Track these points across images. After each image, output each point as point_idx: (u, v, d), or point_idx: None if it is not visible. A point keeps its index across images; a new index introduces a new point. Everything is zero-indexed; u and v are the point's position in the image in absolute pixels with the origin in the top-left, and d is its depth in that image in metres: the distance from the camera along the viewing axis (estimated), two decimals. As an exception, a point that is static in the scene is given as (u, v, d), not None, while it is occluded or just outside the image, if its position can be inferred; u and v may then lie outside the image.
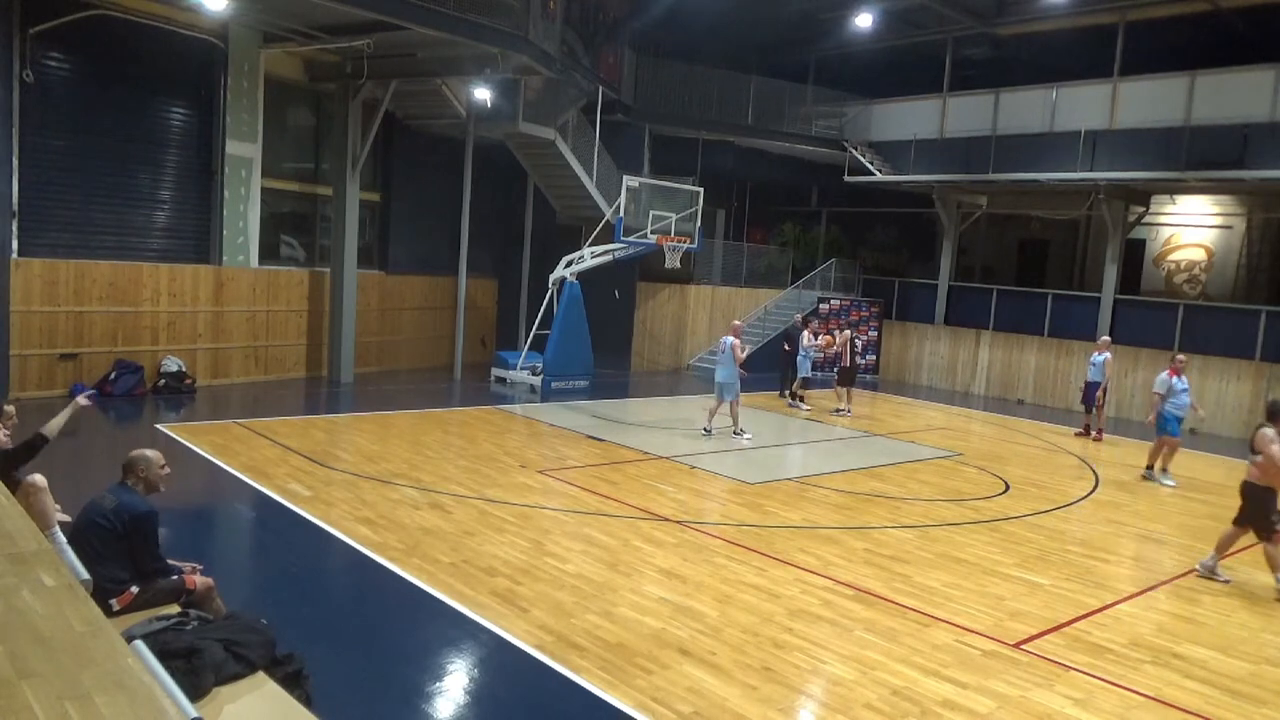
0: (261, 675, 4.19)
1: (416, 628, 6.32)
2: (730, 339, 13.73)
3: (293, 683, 4.33)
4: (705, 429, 13.82)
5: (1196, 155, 17.88)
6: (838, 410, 16.78)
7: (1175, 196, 22.06)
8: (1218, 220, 22.48)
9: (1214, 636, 7.07)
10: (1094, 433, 16.12)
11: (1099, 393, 15.81)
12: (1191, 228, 22.82)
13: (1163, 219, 22.96)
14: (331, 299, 16.60)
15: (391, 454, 11.10)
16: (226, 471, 9.84)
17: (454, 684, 5.56)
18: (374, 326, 18.13)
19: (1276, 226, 21.98)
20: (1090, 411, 16.26)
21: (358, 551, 7.62)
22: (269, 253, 16.30)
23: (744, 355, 13.69)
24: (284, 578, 7.23)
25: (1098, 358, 15.85)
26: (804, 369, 17.59)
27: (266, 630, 4.44)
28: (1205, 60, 18.39)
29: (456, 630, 6.23)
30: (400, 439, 12.02)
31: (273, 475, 9.71)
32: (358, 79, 15.60)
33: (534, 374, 17.22)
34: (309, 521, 8.32)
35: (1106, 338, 16.85)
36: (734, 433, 13.79)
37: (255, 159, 15.52)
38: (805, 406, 17.42)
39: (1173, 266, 23.16)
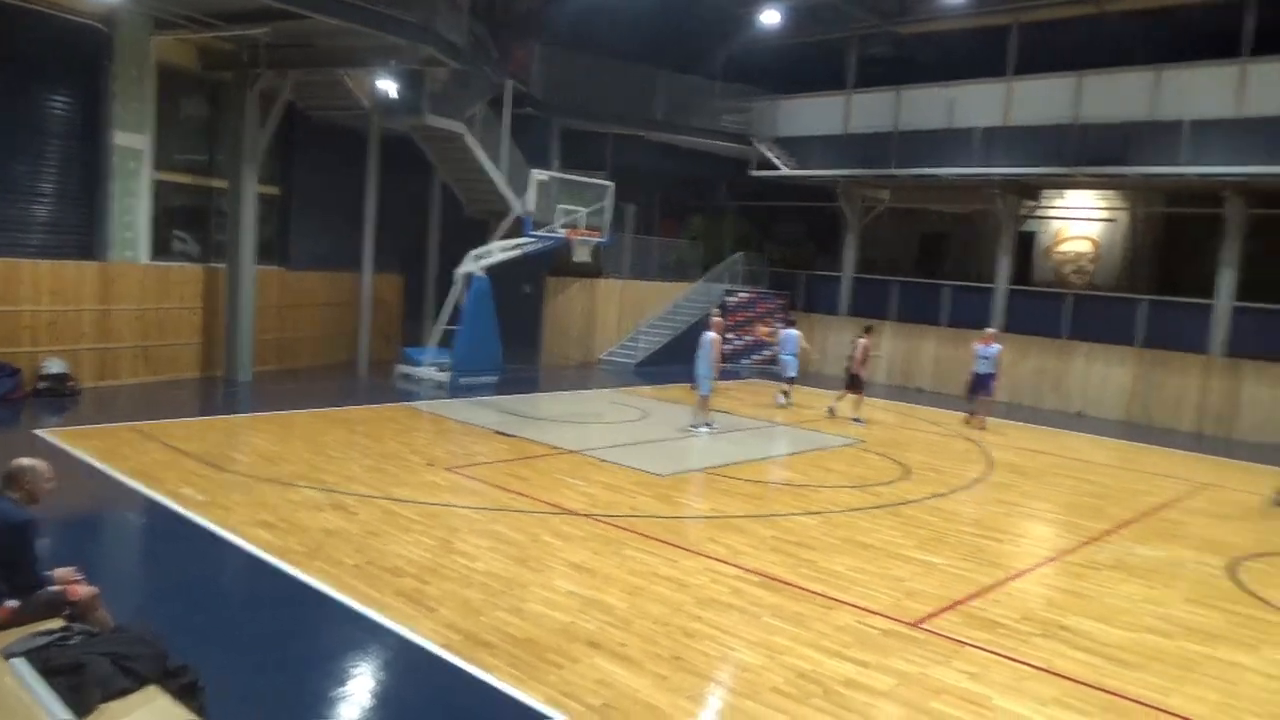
0: (153, 689, 4.03)
1: (320, 633, 6.18)
2: (710, 334, 13.96)
3: (187, 695, 4.17)
4: (700, 426, 14.01)
5: (1084, 152, 18.74)
6: (856, 420, 16.11)
7: (1064, 191, 23.06)
8: (1103, 214, 23.60)
9: (1098, 608, 7.44)
10: (978, 419, 16.49)
11: (994, 383, 16.37)
12: (1079, 221, 23.89)
13: (1052, 213, 23.98)
14: (228, 296, 16.04)
15: (292, 455, 10.81)
16: (112, 477, 9.40)
17: (359, 689, 5.46)
18: (274, 324, 17.59)
19: (1157, 220, 23.17)
20: (973, 400, 16.59)
21: (257, 556, 7.40)
22: (160, 248, 15.64)
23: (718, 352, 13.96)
24: (177, 586, 6.97)
25: (989, 350, 16.31)
26: (791, 368, 17.75)
27: (157, 642, 4.27)
28: (1092, 61, 19.26)
29: (362, 633, 6.12)
30: (302, 439, 11.71)
31: (164, 480, 9.35)
32: (255, 68, 15.09)
33: (442, 370, 16.98)
34: (204, 527, 8.03)
35: (992, 330, 17.37)
36: (691, 425, 14.07)
37: (145, 150, 14.88)
38: (792, 402, 17.53)
39: (1062, 258, 24.20)
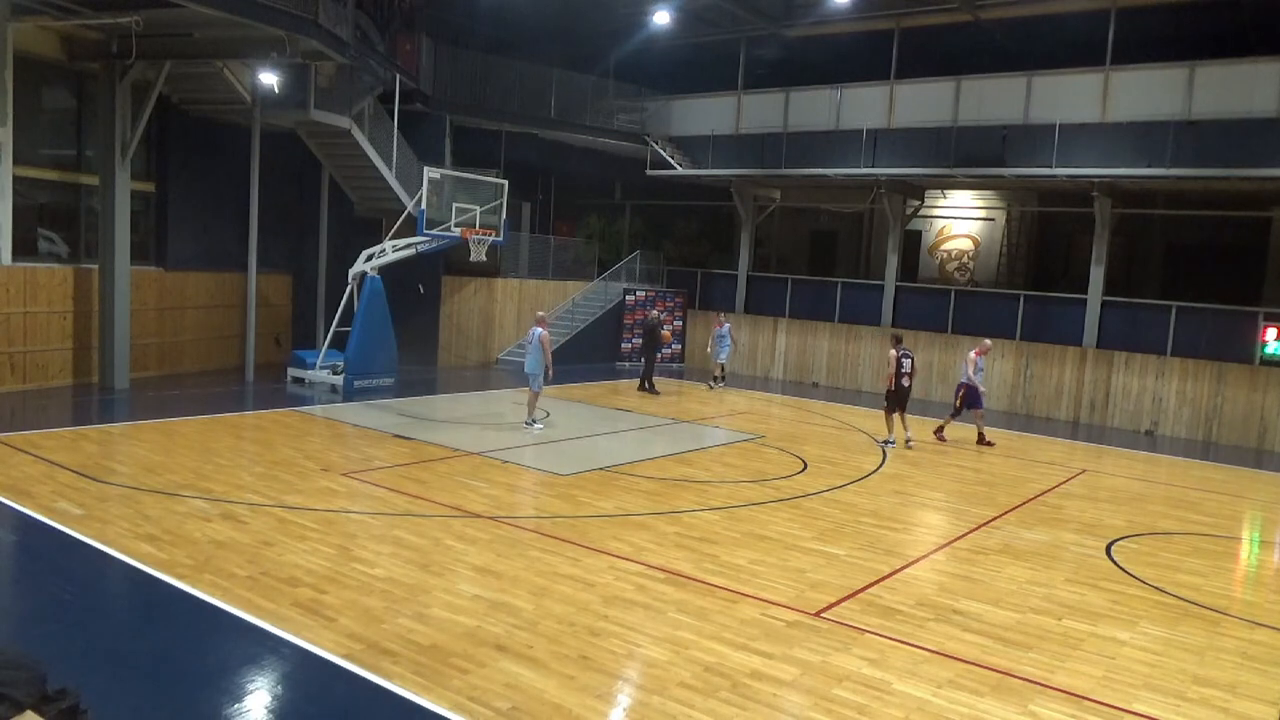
0: (31, 716, 3.78)
1: (212, 649, 5.91)
2: (538, 330, 13.80)
3: (68, 720, 3.93)
4: (535, 423, 13.87)
5: (963, 153, 19.53)
6: (886, 442, 14.39)
7: (946, 191, 23.99)
8: (982, 213, 24.66)
9: (987, 591, 7.75)
10: (982, 436, 15.05)
11: (961, 391, 14.97)
12: (960, 219, 24.90)
13: (935, 212, 24.92)
14: (101, 298, 15.20)
15: (176, 464, 10.32)
16: (-20, 493, 8.81)
17: (256, 704, 5.23)
18: (152, 327, 16.77)
19: (1032, 219, 24.36)
20: (966, 414, 15.05)
21: (141, 571, 7.03)
22: (25, 248, 14.72)
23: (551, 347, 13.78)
24: (55, 606, 6.54)
25: (984, 361, 15.06)
26: (722, 354, 19.90)
27: (36, 664, 4.01)
28: (969, 66, 20.10)
29: (257, 647, 5.88)
30: (187, 447, 11.19)
31: (36, 494, 8.79)
32: (125, 59, 14.32)
33: (335, 373, 16.49)
34: (82, 543, 7.59)
35: (987, 341, 16.00)
36: (525, 422, 13.86)
37: (4, 144, 13.95)
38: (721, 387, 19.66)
39: (945, 255, 25.18)
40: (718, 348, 19.97)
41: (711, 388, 19.92)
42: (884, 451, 13.96)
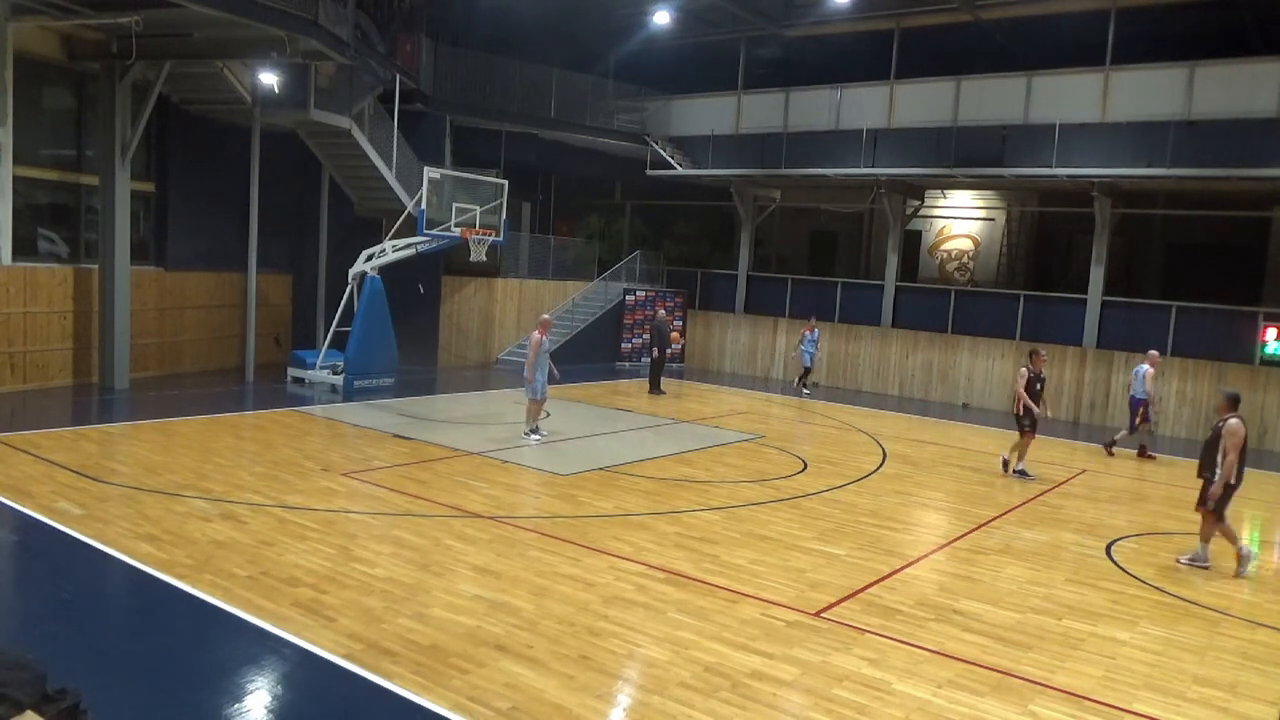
0: (31, 716, 3.78)
1: (212, 648, 5.91)
2: (533, 335, 12.98)
3: (68, 720, 3.93)
4: (531, 433, 13.07)
5: (963, 153, 19.53)
6: (1020, 473, 12.74)
7: (946, 191, 23.99)
8: (982, 213, 24.67)
9: (987, 591, 7.75)
10: (1145, 449, 15.20)
11: (1141, 408, 14.73)
12: (960, 219, 24.91)
13: (935, 212, 24.93)
14: (101, 298, 15.20)
15: (177, 464, 10.32)
16: (-20, 492, 8.81)
17: (255, 704, 5.23)
18: (152, 327, 16.77)
19: (1032, 219, 24.37)
20: (1134, 430, 14.94)
21: (141, 571, 7.03)
22: (25, 248, 14.71)
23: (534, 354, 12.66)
24: (54, 605, 6.55)
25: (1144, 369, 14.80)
26: (807, 359, 20.14)
27: (36, 664, 4.00)
28: (969, 67, 20.10)
29: (257, 647, 5.88)
30: (187, 447, 11.19)
31: (36, 494, 8.79)
32: (126, 59, 14.32)
33: (335, 373, 16.49)
34: (82, 542, 7.59)
35: (1155, 351, 15.48)
36: (524, 431, 13.10)
37: (4, 144, 13.95)
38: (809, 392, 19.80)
39: (945, 255, 25.19)
40: (805, 352, 20.28)
41: (802, 394, 19.97)
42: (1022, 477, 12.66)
